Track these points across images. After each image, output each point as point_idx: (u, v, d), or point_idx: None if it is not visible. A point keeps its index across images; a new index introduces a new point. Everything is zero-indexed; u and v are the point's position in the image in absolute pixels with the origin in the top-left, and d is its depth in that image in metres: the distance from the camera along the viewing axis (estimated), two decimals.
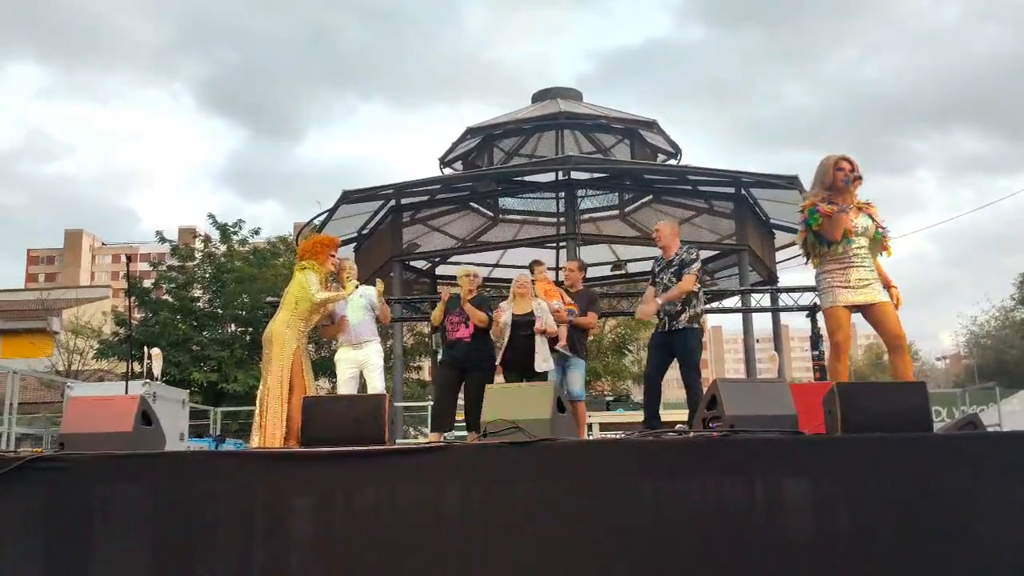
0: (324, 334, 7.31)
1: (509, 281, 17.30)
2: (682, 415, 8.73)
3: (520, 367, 7.03)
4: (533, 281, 7.71)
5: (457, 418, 7.65)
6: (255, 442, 6.43)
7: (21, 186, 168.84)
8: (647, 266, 8.10)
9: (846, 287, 5.66)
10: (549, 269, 8.26)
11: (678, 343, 6.71)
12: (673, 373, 7.03)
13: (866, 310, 5.69)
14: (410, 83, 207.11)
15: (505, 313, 7.24)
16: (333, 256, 6.93)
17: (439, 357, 7.23)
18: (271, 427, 6.31)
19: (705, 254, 16.93)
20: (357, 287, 7.23)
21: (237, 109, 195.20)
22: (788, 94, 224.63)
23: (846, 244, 5.68)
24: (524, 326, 7.09)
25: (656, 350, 6.98)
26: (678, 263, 6.79)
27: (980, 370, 42.65)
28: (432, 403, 7.22)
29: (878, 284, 5.69)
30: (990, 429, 4.99)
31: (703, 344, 6.91)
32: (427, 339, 23.93)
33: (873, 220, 5.77)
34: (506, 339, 7.13)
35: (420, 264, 17.00)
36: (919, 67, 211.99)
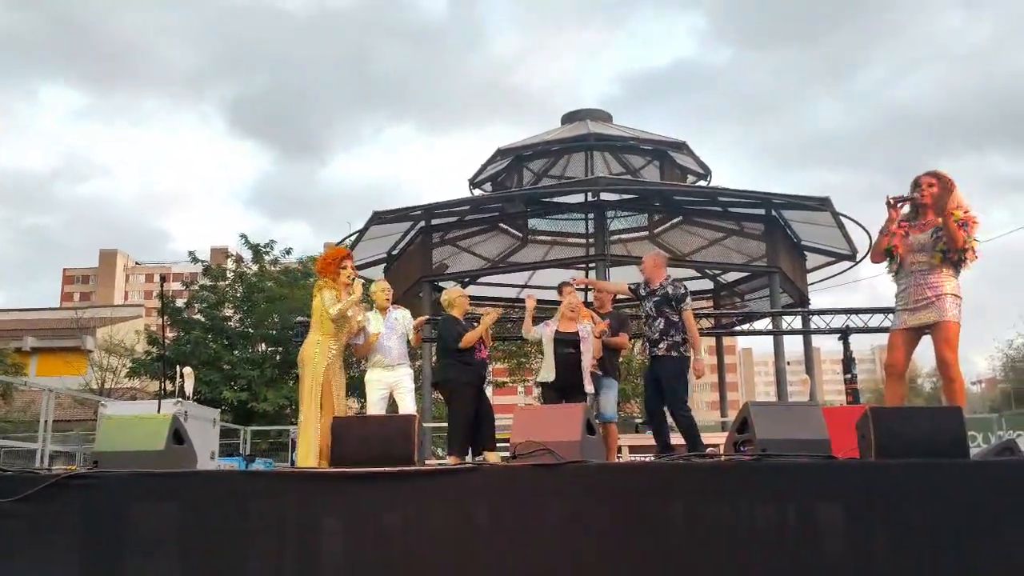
0: (356, 353, 7.32)
1: (538, 302, 17.32)
2: (716, 437, 8.70)
3: (562, 385, 7.00)
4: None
5: None
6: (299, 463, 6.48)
7: (56, 207, 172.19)
8: None
9: (903, 309, 5.64)
10: (577, 291, 8.25)
11: (659, 369, 6.86)
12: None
13: (929, 331, 5.56)
14: (438, 105, 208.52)
15: (549, 327, 7.21)
16: (345, 268, 6.89)
17: (457, 377, 7.16)
18: (308, 447, 6.35)
19: (735, 276, 16.93)
20: (387, 309, 7.25)
21: (266, 131, 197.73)
22: (818, 114, 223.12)
23: (896, 263, 5.71)
24: (568, 344, 7.07)
25: (649, 385, 7.14)
26: (662, 295, 6.93)
27: (1017, 394, 41.91)
28: (456, 426, 7.18)
29: (942, 302, 5.46)
30: None
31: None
32: None
33: (936, 233, 5.56)
34: (550, 356, 7.09)
35: (449, 284, 17.05)
36: (952, 86, 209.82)
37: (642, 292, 7.17)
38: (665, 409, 7.03)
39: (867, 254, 5.92)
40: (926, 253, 5.57)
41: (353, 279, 6.88)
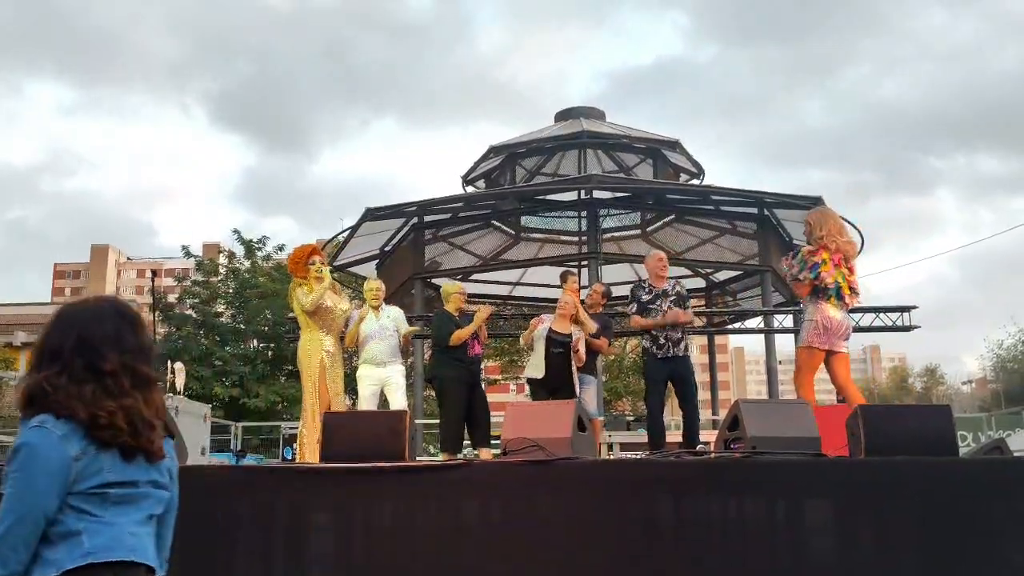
0: (347, 342, 7.29)
1: (531, 299, 17.33)
2: (707, 435, 8.73)
3: (552, 385, 6.96)
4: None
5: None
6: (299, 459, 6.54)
7: (41, 200, 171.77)
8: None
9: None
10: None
11: (682, 367, 7.01)
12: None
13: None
14: (424, 100, 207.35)
15: (543, 324, 7.16)
16: (314, 263, 6.91)
17: (445, 374, 7.13)
18: (312, 442, 6.39)
19: (727, 274, 16.96)
20: (380, 307, 7.23)
21: (251, 125, 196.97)
22: (806, 112, 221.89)
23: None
24: (559, 344, 7.03)
25: (660, 384, 7.13)
26: (676, 294, 7.12)
27: (1007, 394, 42.03)
28: (446, 423, 7.16)
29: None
30: (1017, 454, 4.92)
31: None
32: None
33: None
34: (541, 354, 7.05)
35: (441, 281, 17.03)
36: (939, 85, 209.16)
37: (646, 294, 7.11)
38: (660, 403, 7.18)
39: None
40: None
41: (321, 271, 6.91)
